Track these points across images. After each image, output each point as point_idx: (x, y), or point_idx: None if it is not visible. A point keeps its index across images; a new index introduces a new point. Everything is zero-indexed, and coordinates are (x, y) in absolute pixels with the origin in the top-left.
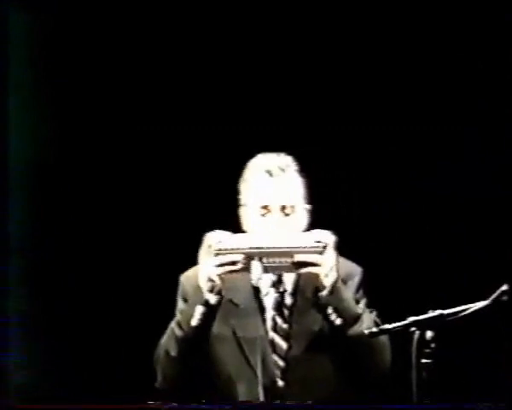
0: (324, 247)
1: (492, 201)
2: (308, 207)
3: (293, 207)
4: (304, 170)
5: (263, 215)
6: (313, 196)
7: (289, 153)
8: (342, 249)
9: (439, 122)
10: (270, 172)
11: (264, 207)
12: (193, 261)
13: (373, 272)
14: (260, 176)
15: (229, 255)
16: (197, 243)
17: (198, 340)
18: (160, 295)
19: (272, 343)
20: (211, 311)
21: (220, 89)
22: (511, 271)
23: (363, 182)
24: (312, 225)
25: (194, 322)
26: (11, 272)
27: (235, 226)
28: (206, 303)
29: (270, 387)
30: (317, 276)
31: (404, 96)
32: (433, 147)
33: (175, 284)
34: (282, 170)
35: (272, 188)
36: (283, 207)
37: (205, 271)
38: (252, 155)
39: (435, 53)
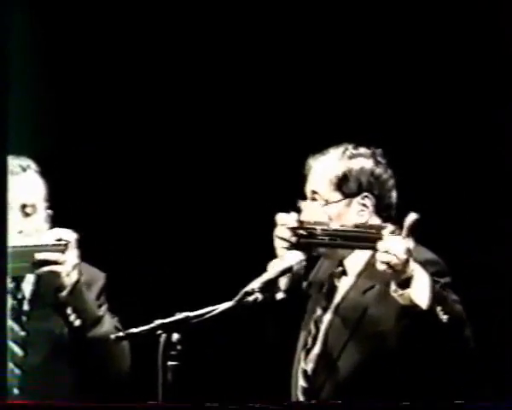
0: (66, 245)
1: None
2: (50, 211)
3: (33, 206)
4: (43, 172)
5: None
6: (56, 198)
7: None
8: (85, 254)
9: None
10: (10, 172)
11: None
12: None
13: (119, 276)
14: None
15: None
16: None
17: None
18: None
19: (11, 352)
20: None
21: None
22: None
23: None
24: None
25: None
26: None
27: None
28: None
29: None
30: (58, 275)
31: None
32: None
33: None
34: (23, 169)
35: (12, 186)
36: (23, 206)
37: None
38: None
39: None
